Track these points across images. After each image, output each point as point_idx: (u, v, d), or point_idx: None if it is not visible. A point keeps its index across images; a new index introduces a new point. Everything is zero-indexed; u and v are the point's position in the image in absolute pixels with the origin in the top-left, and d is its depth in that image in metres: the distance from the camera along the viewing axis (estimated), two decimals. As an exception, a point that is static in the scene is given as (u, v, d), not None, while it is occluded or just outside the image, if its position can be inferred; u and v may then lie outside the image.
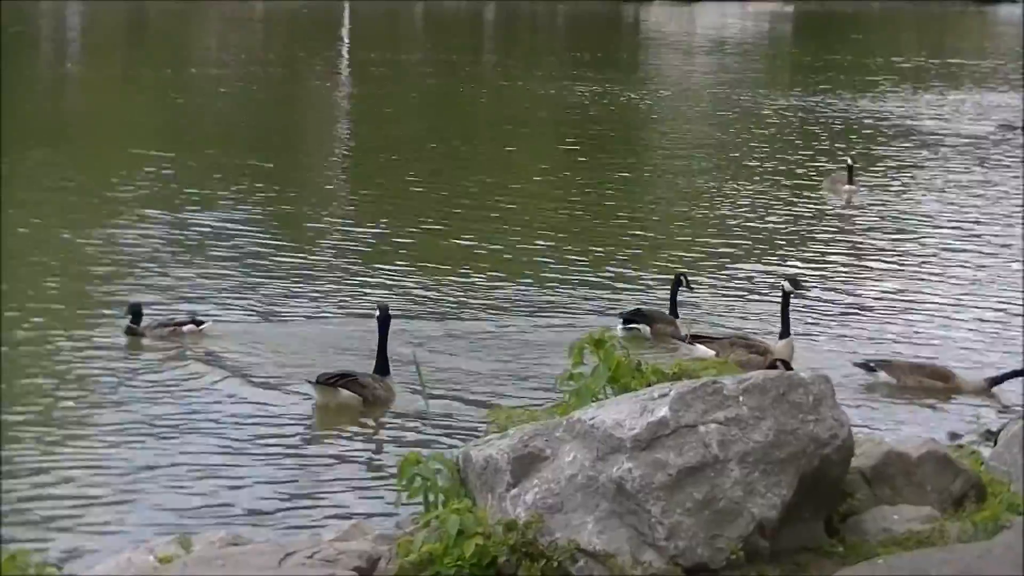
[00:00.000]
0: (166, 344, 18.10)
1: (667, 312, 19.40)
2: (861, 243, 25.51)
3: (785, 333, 18.04)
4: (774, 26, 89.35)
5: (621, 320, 19.16)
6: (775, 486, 9.10)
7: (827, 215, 28.09)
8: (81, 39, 69.15)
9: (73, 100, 46.95)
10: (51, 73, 53.86)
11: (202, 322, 18.62)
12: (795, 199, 29.58)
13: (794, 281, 18.67)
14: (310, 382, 16.00)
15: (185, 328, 18.41)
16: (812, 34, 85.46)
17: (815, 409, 9.35)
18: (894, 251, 24.89)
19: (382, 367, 16.32)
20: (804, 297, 19.73)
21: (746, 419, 9.18)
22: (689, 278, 19.90)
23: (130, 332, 18.35)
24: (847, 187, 29.95)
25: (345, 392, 15.90)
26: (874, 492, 9.96)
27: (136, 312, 18.45)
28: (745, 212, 28.00)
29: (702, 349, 17.61)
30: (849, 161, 30.59)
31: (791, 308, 18.36)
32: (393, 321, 16.86)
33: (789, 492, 9.12)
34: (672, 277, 19.93)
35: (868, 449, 10.22)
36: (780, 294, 18.50)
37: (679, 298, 19.51)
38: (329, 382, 15.89)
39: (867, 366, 17.12)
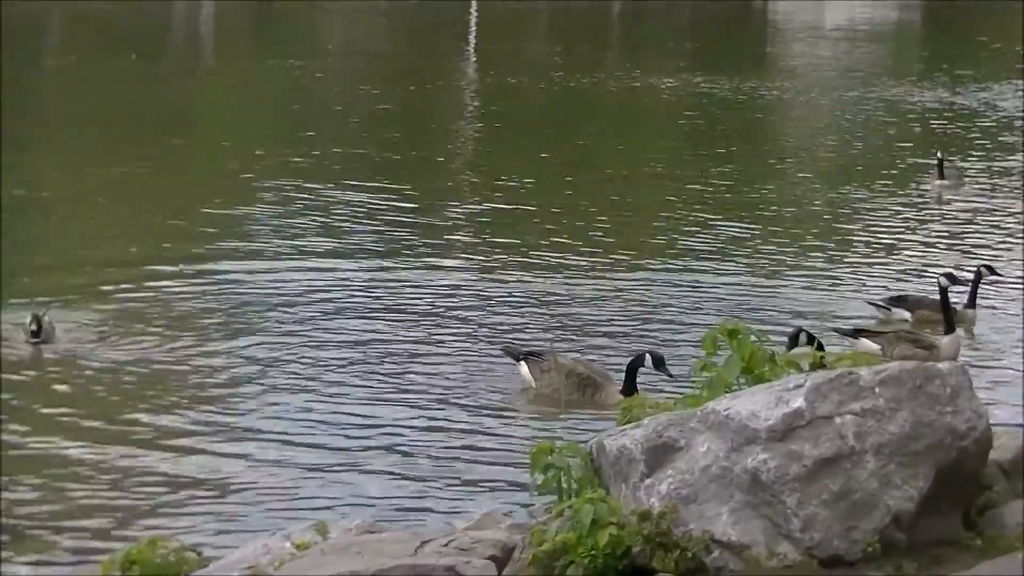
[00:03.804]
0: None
1: (967, 303, 19.41)
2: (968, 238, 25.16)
3: (950, 329, 18.00)
4: (902, 16, 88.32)
5: (884, 303, 19.40)
6: (911, 478, 9.02)
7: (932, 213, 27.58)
8: (215, 37, 69.99)
9: (216, 93, 47.53)
10: (192, 69, 54.55)
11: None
12: (915, 196, 29.15)
13: (951, 276, 18.86)
14: (508, 352, 16.44)
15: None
16: (940, 22, 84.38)
17: (952, 401, 9.26)
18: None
19: (628, 387, 15.72)
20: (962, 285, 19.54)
21: (882, 410, 9.11)
22: (995, 268, 19.92)
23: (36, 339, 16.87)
24: (938, 182, 29.21)
25: (525, 369, 16.18)
26: (1012, 486, 9.84)
27: (39, 322, 16.84)
28: (862, 208, 27.69)
29: (866, 343, 17.47)
30: (939, 155, 29.63)
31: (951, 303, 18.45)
32: (529, 308, 16.89)
33: (926, 484, 9.04)
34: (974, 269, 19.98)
35: (1006, 442, 10.09)
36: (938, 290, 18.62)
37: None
38: (516, 356, 16.30)
39: None
